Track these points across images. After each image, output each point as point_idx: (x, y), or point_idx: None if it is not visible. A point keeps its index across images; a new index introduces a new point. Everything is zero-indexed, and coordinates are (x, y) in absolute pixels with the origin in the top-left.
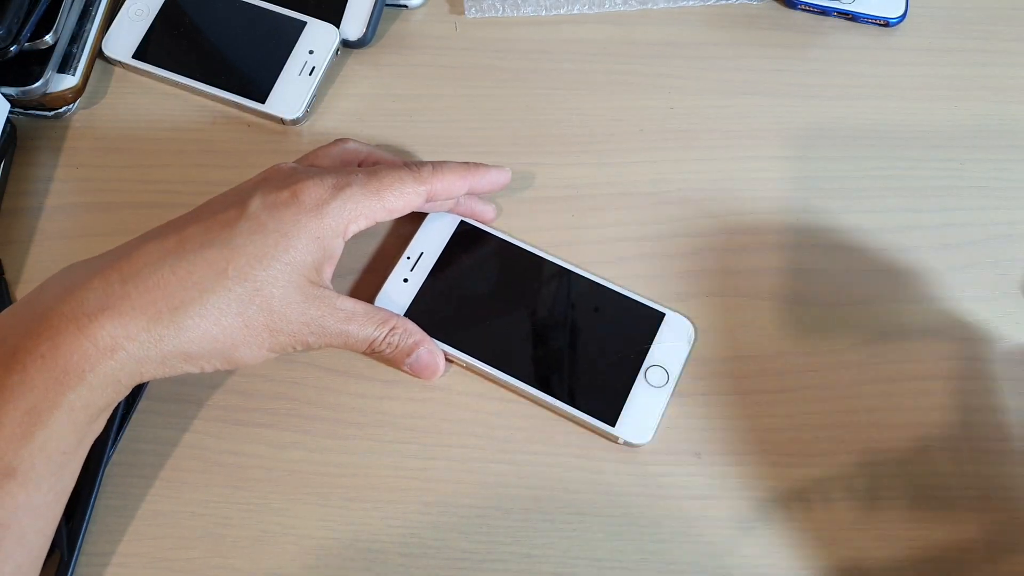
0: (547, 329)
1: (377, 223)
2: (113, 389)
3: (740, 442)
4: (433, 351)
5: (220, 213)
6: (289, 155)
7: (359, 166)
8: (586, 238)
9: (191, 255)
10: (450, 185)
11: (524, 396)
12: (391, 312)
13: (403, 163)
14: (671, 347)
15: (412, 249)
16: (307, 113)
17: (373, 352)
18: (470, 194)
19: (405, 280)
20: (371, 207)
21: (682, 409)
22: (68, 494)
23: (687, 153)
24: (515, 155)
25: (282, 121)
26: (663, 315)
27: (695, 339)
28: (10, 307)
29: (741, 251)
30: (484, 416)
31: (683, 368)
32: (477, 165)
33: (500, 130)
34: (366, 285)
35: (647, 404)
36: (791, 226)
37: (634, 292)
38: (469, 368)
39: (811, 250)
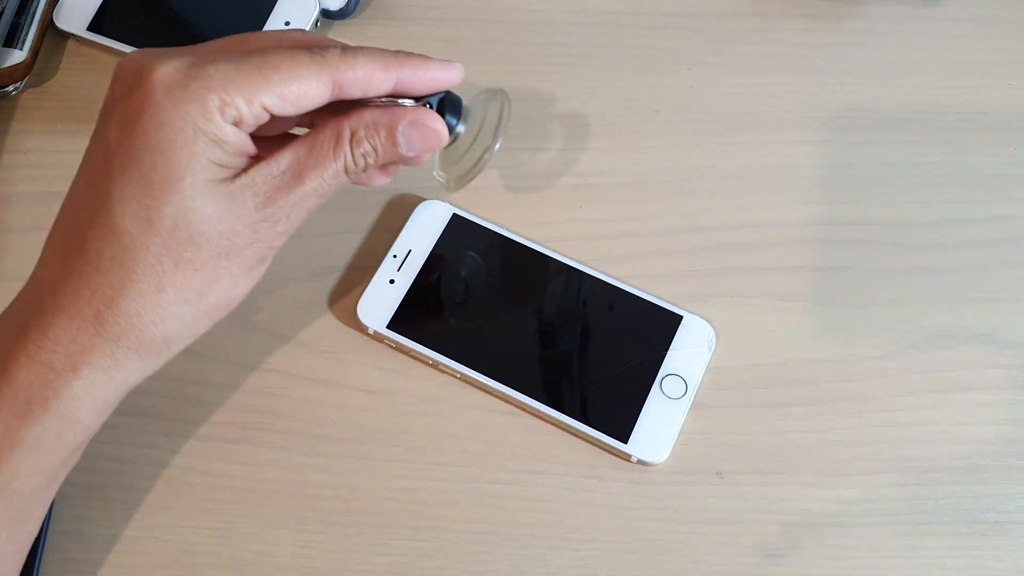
0: (552, 335)
1: (278, 121)
2: (92, 410)
3: (766, 460)
4: (418, 119)
5: (88, 162)
6: None
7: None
8: (595, 232)
9: (88, 232)
10: (367, 76)
11: (526, 409)
12: (335, 121)
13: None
14: (689, 354)
15: (399, 246)
16: None
17: (354, 172)
18: (402, 91)
19: (391, 281)
20: (249, 82)
21: (702, 423)
22: (28, 545)
23: (707, 138)
24: (514, 140)
25: None
26: (680, 318)
27: (716, 344)
28: None
29: (767, 247)
30: (482, 431)
31: (703, 377)
32: (409, 55)
33: None
34: (347, 287)
35: (663, 418)
36: (823, 219)
37: (648, 292)
38: (464, 379)
39: (845, 246)
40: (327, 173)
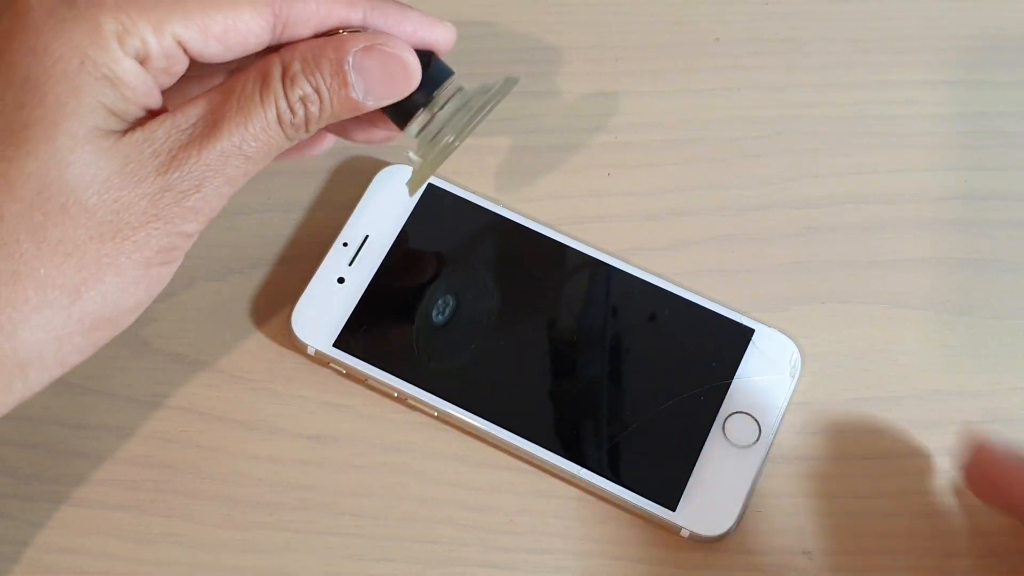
0: (568, 357)
1: (200, 72)
2: None
3: (873, 535)
4: (376, 44)
5: None
6: None
7: None
8: (629, 211)
9: None
10: (324, 10)
11: (531, 462)
12: (264, 58)
13: None
14: (764, 383)
15: (352, 230)
16: None
17: (292, 126)
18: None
19: (341, 280)
20: (159, 4)
21: (782, 482)
22: None
23: (789, 75)
24: (517, 75)
25: None
26: (751, 332)
27: (801, 370)
28: None
29: (875, 231)
30: (468, 493)
31: (783, 417)
32: None
33: (497, 37)
34: (277, 288)
35: (726, 474)
36: (956, 191)
37: (705, 296)
38: (444, 418)
39: (989, 230)
40: (252, 125)
